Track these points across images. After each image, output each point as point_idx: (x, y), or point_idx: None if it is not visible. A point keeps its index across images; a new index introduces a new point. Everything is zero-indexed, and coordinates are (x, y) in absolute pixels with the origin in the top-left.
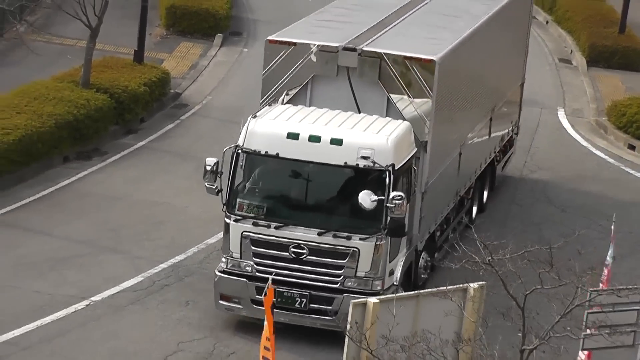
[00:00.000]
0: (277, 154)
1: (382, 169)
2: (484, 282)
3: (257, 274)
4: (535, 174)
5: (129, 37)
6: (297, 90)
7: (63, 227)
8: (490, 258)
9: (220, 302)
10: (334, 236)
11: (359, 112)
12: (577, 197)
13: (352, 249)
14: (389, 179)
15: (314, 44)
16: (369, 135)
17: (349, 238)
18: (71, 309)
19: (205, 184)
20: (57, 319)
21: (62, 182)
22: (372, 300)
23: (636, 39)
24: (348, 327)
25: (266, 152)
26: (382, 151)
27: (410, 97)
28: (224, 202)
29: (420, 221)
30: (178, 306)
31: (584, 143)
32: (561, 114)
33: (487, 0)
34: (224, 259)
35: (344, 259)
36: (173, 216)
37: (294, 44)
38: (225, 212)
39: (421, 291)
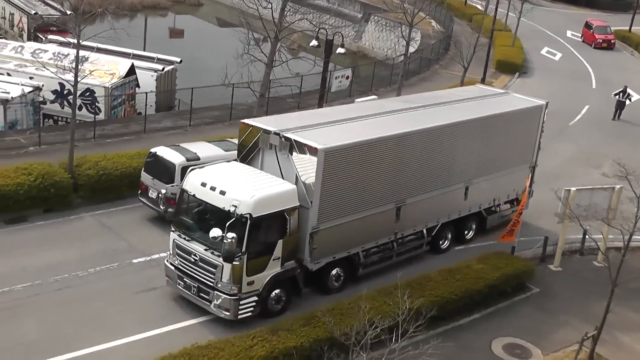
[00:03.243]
0: (194, 195)
1: (240, 216)
2: (622, 185)
3: (179, 266)
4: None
5: (480, 72)
6: (253, 154)
7: None
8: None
9: (166, 278)
10: (212, 253)
11: (281, 174)
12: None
13: (219, 263)
14: (248, 225)
15: (262, 127)
16: (241, 191)
17: (218, 256)
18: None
19: (161, 206)
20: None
21: None
22: (573, 189)
23: None
24: (562, 198)
25: (189, 192)
26: (244, 204)
27: (306, 169)
28: (168, 219)
29: (312, 251)
30: None
31: None
32: None
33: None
34: (167, 254)
35: (215, 269)
36: None
37: (252, 126)
38: (171, 225)
39: (594, 186)
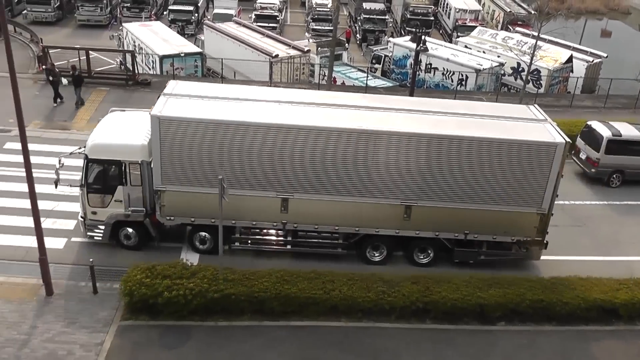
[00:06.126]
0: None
1: (84, 155)
2: None
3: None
4: None
5: None
6: None
7: None
8: None
9: None
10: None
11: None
12: None
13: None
14: (85, 163)
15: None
16: (94, 136)
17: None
18: None
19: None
20: None
21: None
22: None
23: None
24: None
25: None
26: (87, 146)
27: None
28: None
29: (161, 208)
30: None
31: None
32: None
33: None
34: None
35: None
36: None
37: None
38: None
39: None
